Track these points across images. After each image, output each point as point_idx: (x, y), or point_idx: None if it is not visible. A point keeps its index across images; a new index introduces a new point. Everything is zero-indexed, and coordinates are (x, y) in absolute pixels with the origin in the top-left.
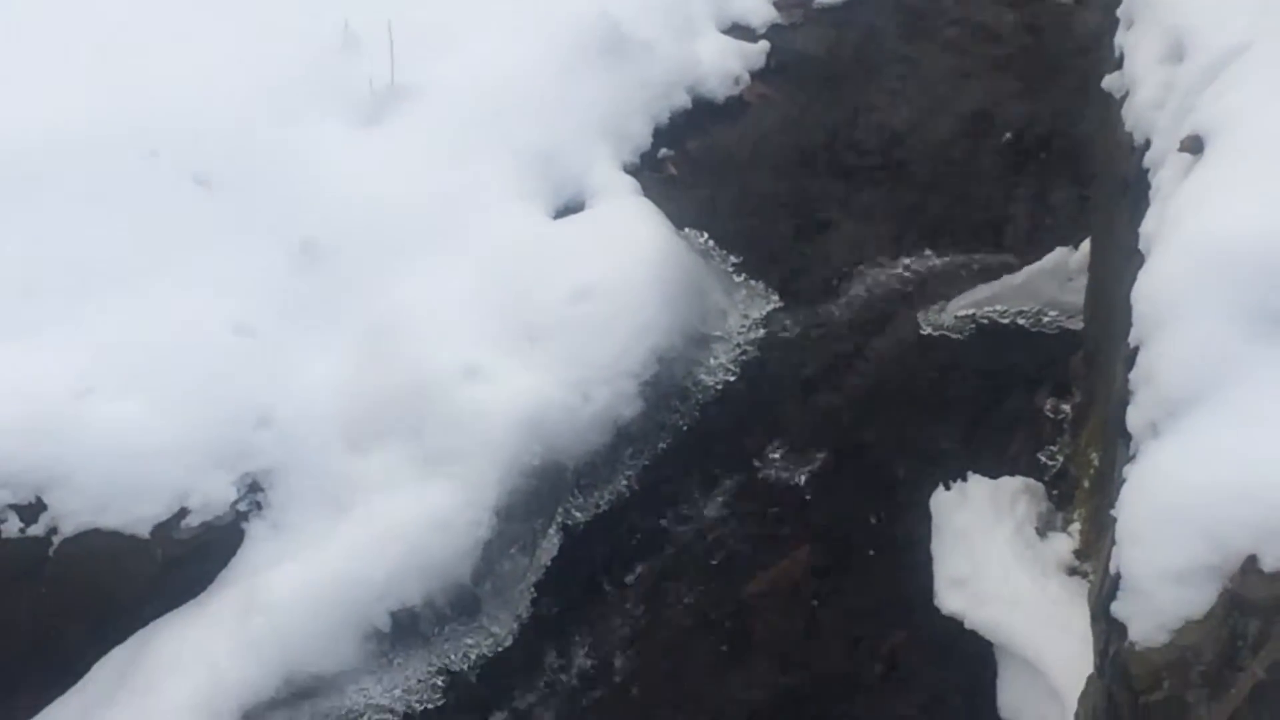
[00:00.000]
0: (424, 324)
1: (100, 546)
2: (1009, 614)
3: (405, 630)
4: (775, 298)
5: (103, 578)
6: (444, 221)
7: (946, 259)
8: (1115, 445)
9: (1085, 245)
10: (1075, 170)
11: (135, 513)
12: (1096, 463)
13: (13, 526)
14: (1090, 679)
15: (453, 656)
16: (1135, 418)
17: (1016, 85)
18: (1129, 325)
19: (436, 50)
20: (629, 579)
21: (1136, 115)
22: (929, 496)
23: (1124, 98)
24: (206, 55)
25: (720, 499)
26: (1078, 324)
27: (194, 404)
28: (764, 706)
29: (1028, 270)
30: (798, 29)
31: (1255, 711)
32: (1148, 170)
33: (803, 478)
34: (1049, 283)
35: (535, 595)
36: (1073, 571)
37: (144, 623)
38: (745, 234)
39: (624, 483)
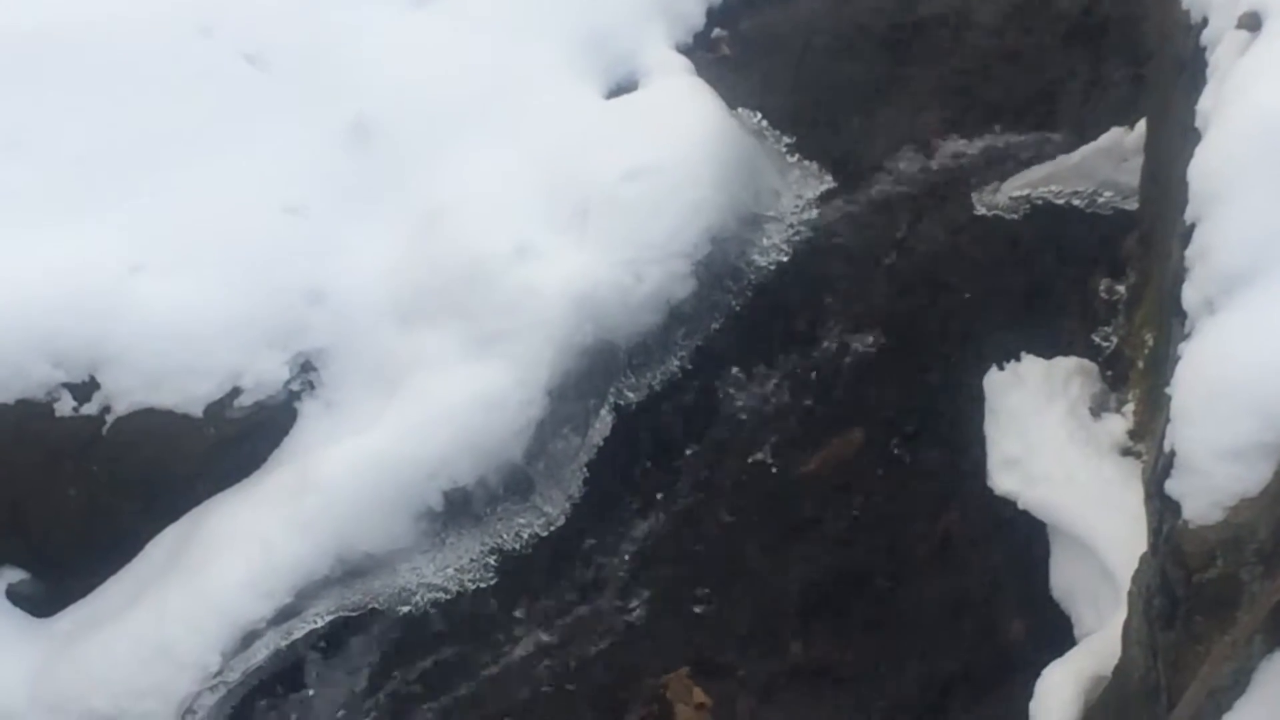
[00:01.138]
0: (476, 204)
1: (153, 425)
2: (1062, 494)
3: (457, 509)
4: (829, 178)
5: (156, 456)
6: (496, 102)
7: (1001, 139)
8: (1170, 324)
9: (1141, 125)
10: (1131, 49)
11: (188, 391)
12: (1151, 343)
13: (66, 405)
14: (1143, 558)
15: (505, 536)
16: (1191, 295)
17: None
18: (1185, 203)
19: None
20: (681, 459)
21: None
22: (982, 377)
23: None
24: None
25: (773, 379)
26: (1133, 204)
27: (246, 283)
28: (817, 586)
29: (1083, 150)
30: None
31: None
32: (1204, 48)
33: (856, 358)
34: (1104, 163)
35: (588, 475)
36: (1126, 452)
37: (197, 501)
38: (799, 114)
39: (676, 363)
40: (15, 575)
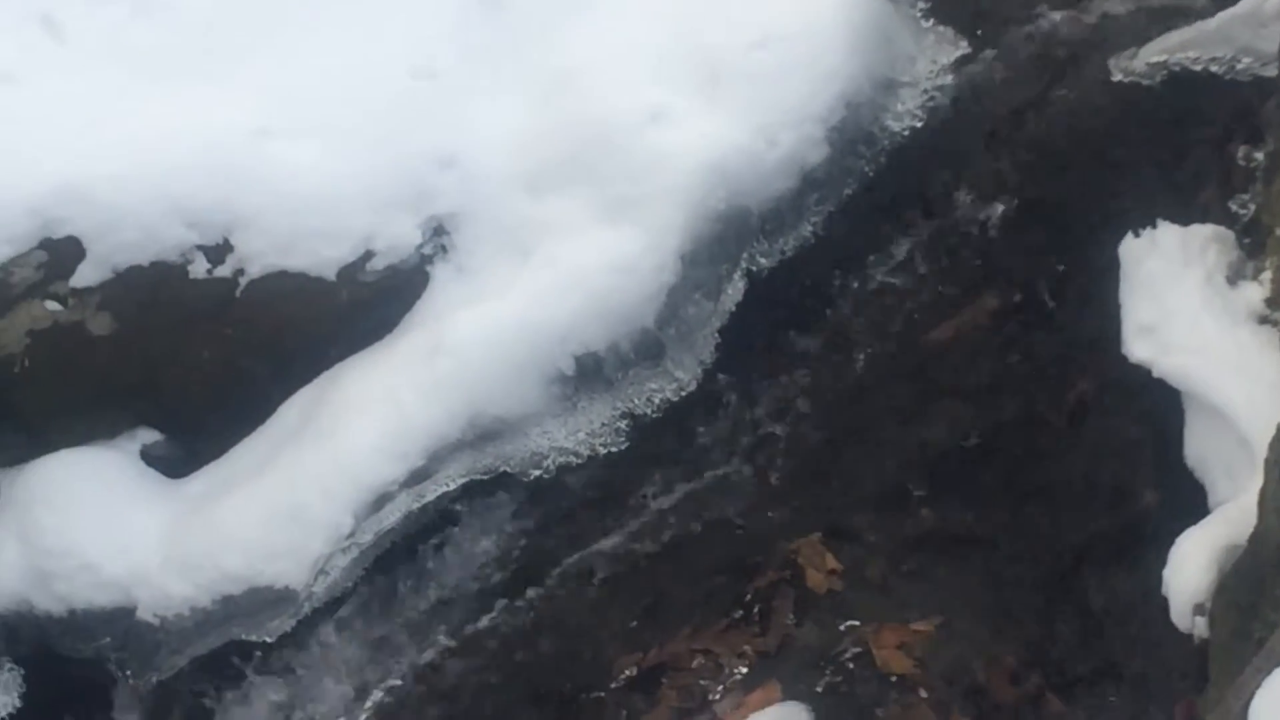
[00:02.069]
0: (607, 68)
1: (286, 288)
2: (1198, 361)
3: (589, 374)
4: (964, 43)
5: (288, 319)
6: None
7: (1139, 4)
8: None
9: None
10: None
11: (321, 254)
12: None
13: (200, 268)
14: None
15: (636, 401)
16: None
17: None
18: None
19: None
20: (813, 324)
21: None
22: (1117, 243)
23: None
24: None
25: (906, 245)
26: (1272, 70)
27: (376, 147)
28: (948, 453)
29: (1222, 16)
30: None
31: None
32: None
33: (990, 224)
34: (1244, 29)
35: (719, 340)
36: (1263, 320)
37: (329, 364)
38: None
39: (809, 229)
40: (150, 437)
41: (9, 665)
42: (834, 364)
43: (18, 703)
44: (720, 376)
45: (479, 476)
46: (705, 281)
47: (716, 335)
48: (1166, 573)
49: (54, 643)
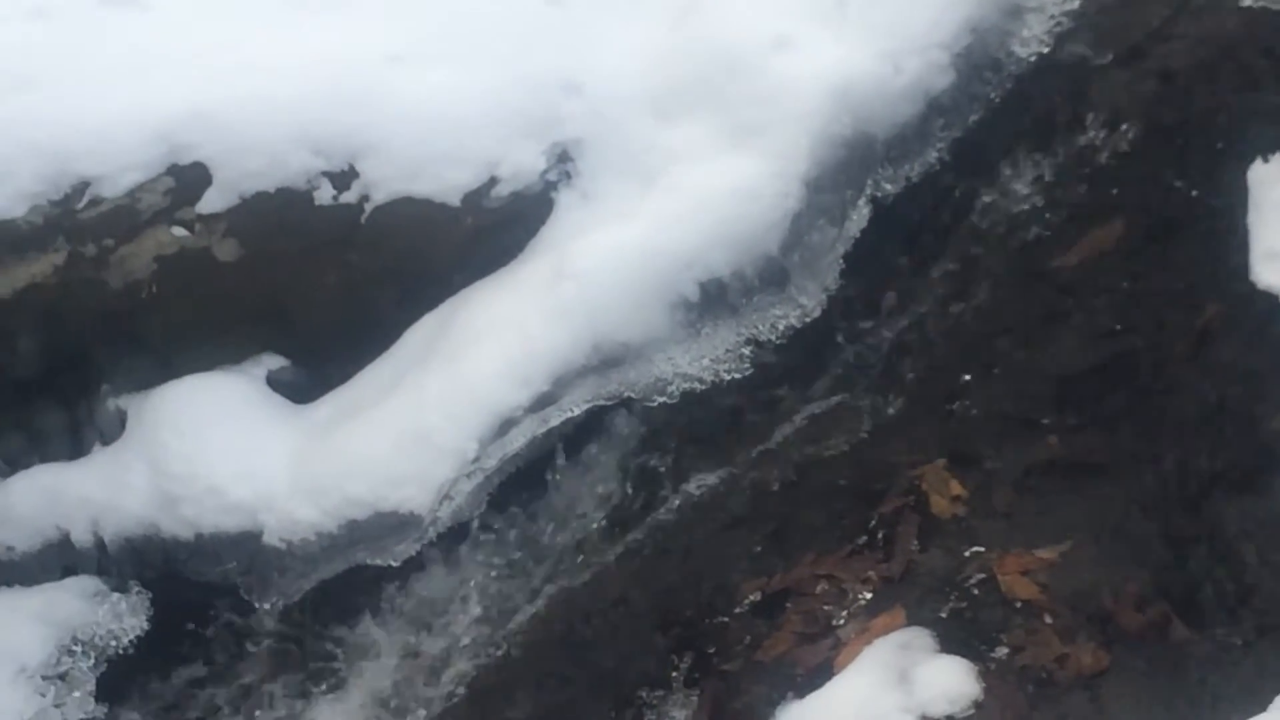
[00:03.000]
0: None
1: (411, 214)
2: None
3: (713, 300)
4: None
5: (414, 245)
6: None
7: None
8: None
9: None
10: None
11: (446, 181)
12: None
13: (326, 194)
14: None
15: (760, 327)
16: None
17: None
18: None
19: None
20: (938, 251)
21: None
22: (1245, 169)
23: None
24: None
25: (1031, 171)
26: None
27: (502, 73)
28: (1073, 379)
29: None
30: None
31: None
32: None
33: (1116, 150)
34: None
35: (844, 267)
36: None
37: (454, 290)
38: None
39: (934, 155)
40: (275, 362)
41: (137, 588)
42: (958, 290)
43: (145, 625)
44: (844, 302)
45: (603, 402)
46: (830, 207)
47: (841, 261)
48: None
49: (180, 566)
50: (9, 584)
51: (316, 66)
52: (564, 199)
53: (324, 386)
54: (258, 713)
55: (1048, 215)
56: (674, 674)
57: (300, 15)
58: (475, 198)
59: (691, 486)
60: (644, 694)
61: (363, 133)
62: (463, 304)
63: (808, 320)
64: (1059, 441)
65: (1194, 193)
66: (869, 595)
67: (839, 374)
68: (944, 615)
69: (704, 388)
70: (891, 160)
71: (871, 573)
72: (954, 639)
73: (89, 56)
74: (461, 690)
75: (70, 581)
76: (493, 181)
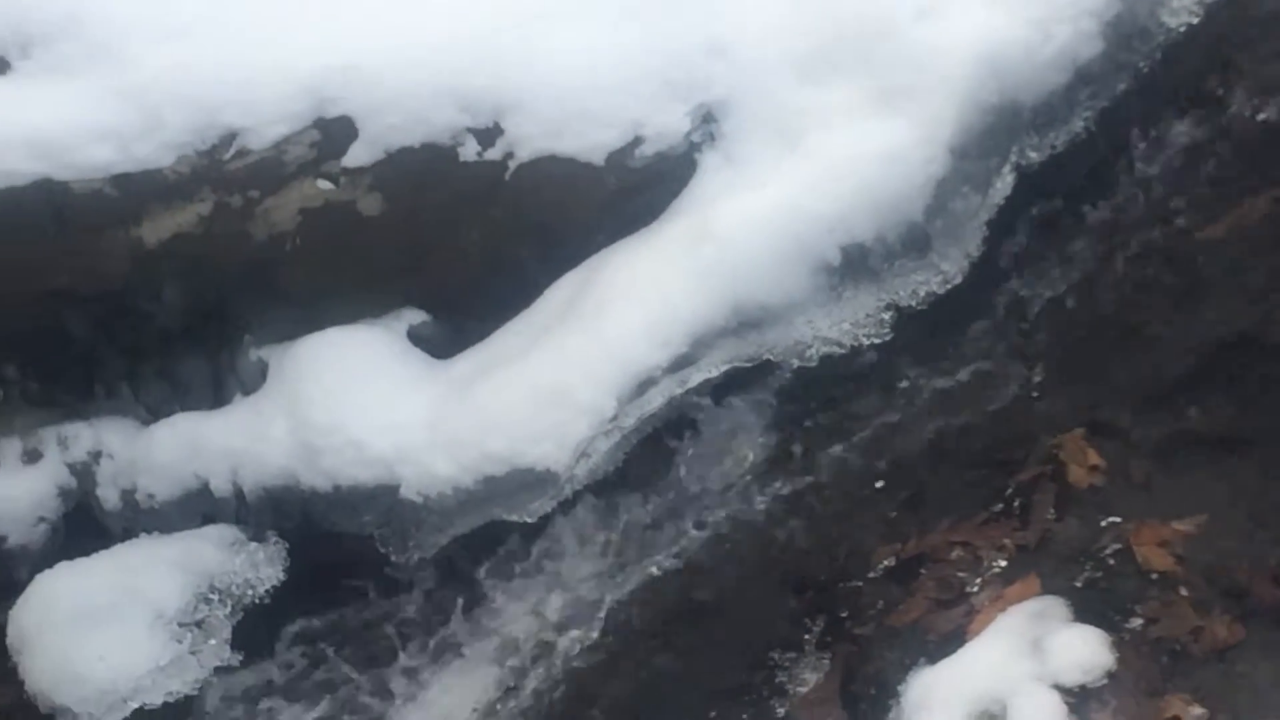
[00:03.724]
0: None
1: (555, 172)
2: None
3: (854, 265)
4: None
5: (556, 203)
6: None
7: None
8: None
9: None
10: None
11: (590, 140)
12: None
13: (470, 150)
14: None
15: (901, 292)
16: None
17: None
18: None
19: None
20: (1083, 220)
21: None
22: None
23: None
24: None
25: (1179, 142)
26: None
27: (647, 33)
28: (1217, 352)
29: None
30: None
31: None
32: None
33: (1266, 122)
34: None
35: (987, 234)
36: None
37: (595, 249)
38: None
39: (1080, 124)
40: (416, 317)
41: (274, 539)
42: (1102, 259)
43: (281, 575)
44: (986, 270)
45: (741, 364)
46: (974, 175)
47: (984, 228)
48: None
49: (318, 518)
50: (148, 531)
51: (464, 22)
52: (708, 160)
53: (464, 342)
54: (389, 664)
55: (1194, 185)
56: (806, 637)
57: None
58: (619, 157)
59: (828, 451)
60: (776, 656)
61: (508, 90)
62: (604, 263)
63: (949, 286)
64: (1199, 413)
65: None
66: (1004, 563)
67: (979, 341)
68: (1079, 585)
69: (843, 352)
70: (1037, 128)
71: (1007, 540)
72: (1088, 609)
73: (238, 8)
74: (591, 648)
75: (209, 530)
76: (637, 141)
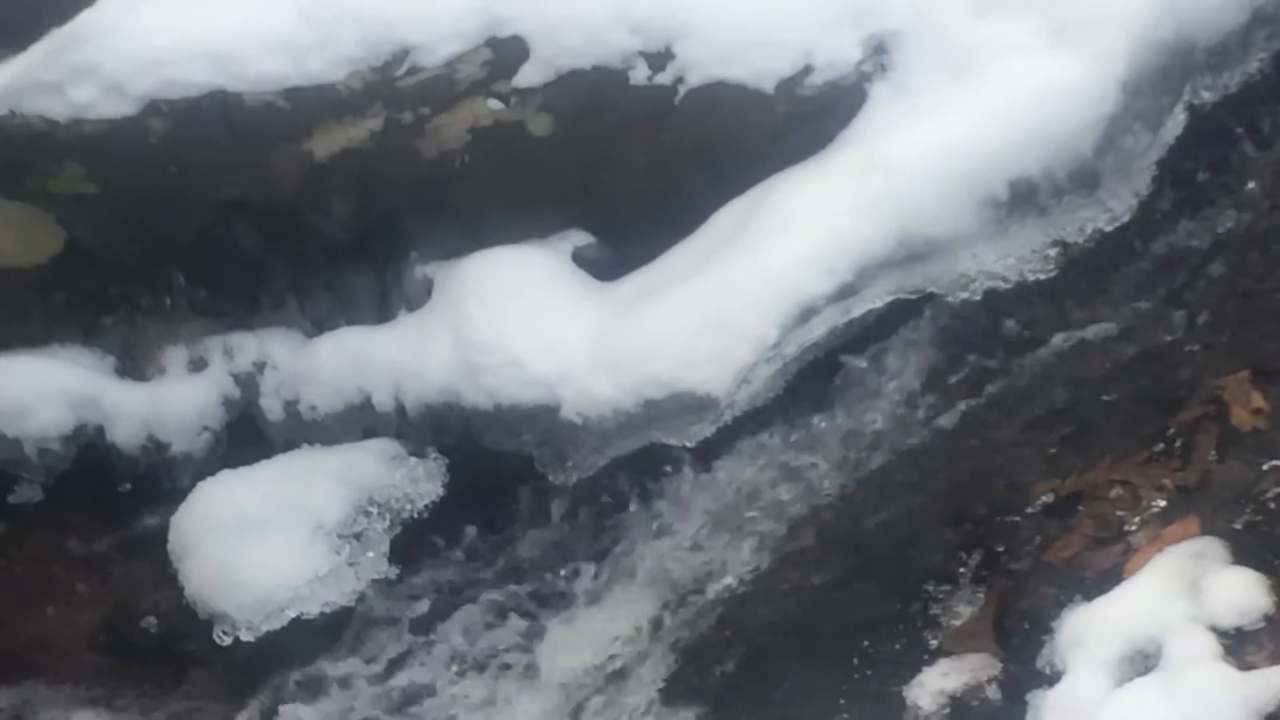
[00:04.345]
0: None
1: (724, 99)
2: None
3: (1022, 200)
4: None
5: (725, 130)
6: None
7: None
8: None
9: None
10: None
11: (760, 67)
12: None
13: (640, 74)
14: None
15: (1068, 229)
16: None
17: None
18: None
19: None
20: (1253, 162)
21: None
22: None
23: None
24: None
25: None
26: None
27: None
28: None
29: None
30: None
31: None
32: None
33: None
34: None
35: (1156, 174)
36: None
37: (762, 177)
38: None
39: (1255, 65)
40: (581, 239)
41: (434, 454)
42: (1272, 202)
43: (440, 491)
44: (1155, 209)
45: (905, 296)
46: (1146, 112)
47: (1154, 168)
48: None
49: (478, 436)
50: (310, 443)
51: None
52: (878, 91)
53: (628, 265)
54: (544, 584)
55: None
56: (961, 570)
57: None
58: (789, 85)
59: (990, 384)
60: (930, 588)
61: (681, 14)
62: (771, 190)
63: (1117, 224)
64: None
65: None
66: (1163, 503)
67: (1146, 280)
68: (1238, 527)
69: (1008, 286)
70: (1211, 68)
71: (1167, 480)
72: (1247, 551)
73: None
74: (746, 575)
75: (370, 444)
76: (807, 70)
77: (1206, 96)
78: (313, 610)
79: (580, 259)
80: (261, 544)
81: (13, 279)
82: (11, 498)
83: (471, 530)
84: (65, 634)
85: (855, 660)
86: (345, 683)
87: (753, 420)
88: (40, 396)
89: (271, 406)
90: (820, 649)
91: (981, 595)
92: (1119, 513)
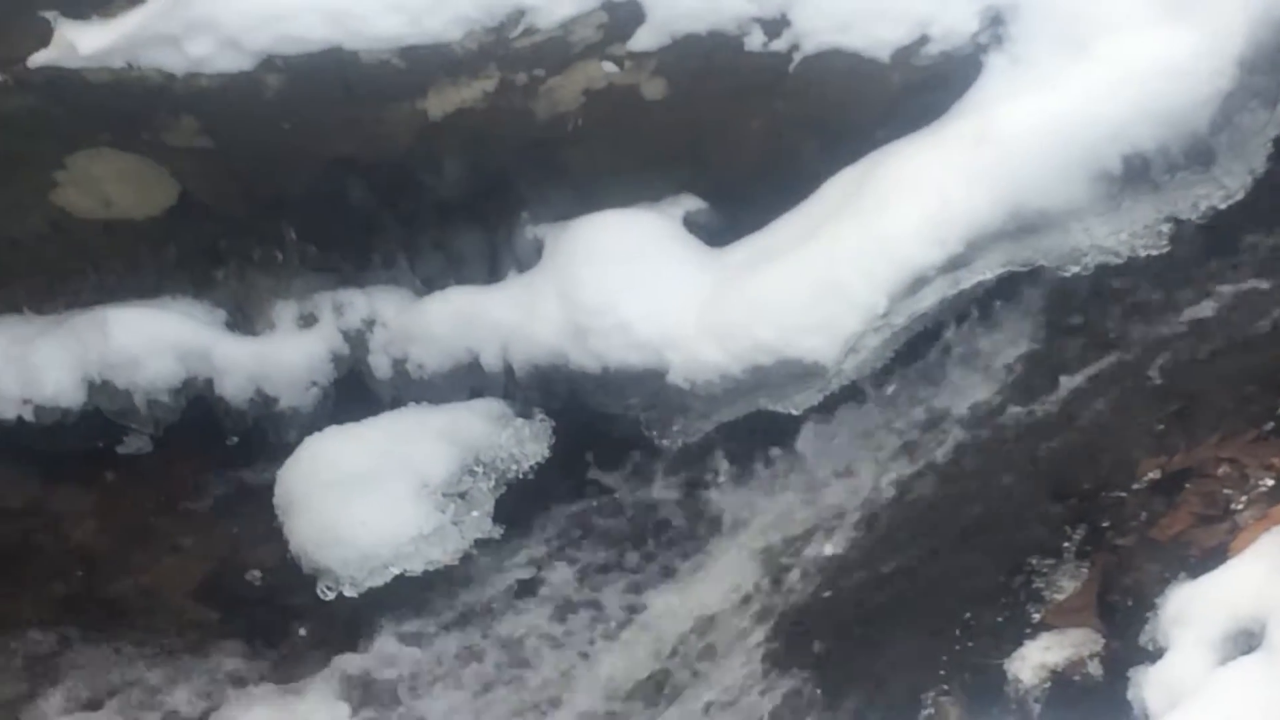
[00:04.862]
0: None
1: (839, 66)
2: None
3: (1135, 175)
4: None
5: (839, 98)
6: None
7: None
8: None
9: None
10: None
11: (876, 35)
12: None
13: (756, 40)
14: None
15: (1181, 205)
16: None
17: None
18: None
19: None
20: None
21: None
22: None
23: None
24: None
25: None
26: None
27: None
28: None
29: None
30: None
31: None
32: None
33: None
34: None
35: (1272, 151)
36: None
37: (875, 146)
38: None
39: None
40: (693, 204)
41: (540, 415)
42: None
43: (546, 453)
44: (1270, 186)
45: (1015, 268)
46: (1263, 90)
47: (1270, 145)
48: None
49: (585, 398)
50: (417, 401)
51: None
52: (993, 62)
53: (738, 231)
54: (646, 548)
55: None
56: (1065, 544)
57: None
58: (904, 55)
59: (1098, 360)
60: (1034, 561)
61: None
62: (883, 159)
63: (1231, 202)
64: None
65: None
66: (1271, 482)
67: (1258, 259)
68: None
69: (1119, 261)
70: None
71: (1276, 459)
72: None
73: None
74: (848, 544)
75: (476, 403)
76: (923, 40)
77: None
78: (416, 568)
79: (691, 224)
80: (367, 501)
81: (126, 231)
82: (120, 448)
83: (575, 492)
84: (170, 585)
85: (956, 631)
86: (445, 641)
87: (858, 389)
88: (151, 348)
89: (379, 364)
90: (921, 619)
91: (1085, 570)
92: (1226, 491)
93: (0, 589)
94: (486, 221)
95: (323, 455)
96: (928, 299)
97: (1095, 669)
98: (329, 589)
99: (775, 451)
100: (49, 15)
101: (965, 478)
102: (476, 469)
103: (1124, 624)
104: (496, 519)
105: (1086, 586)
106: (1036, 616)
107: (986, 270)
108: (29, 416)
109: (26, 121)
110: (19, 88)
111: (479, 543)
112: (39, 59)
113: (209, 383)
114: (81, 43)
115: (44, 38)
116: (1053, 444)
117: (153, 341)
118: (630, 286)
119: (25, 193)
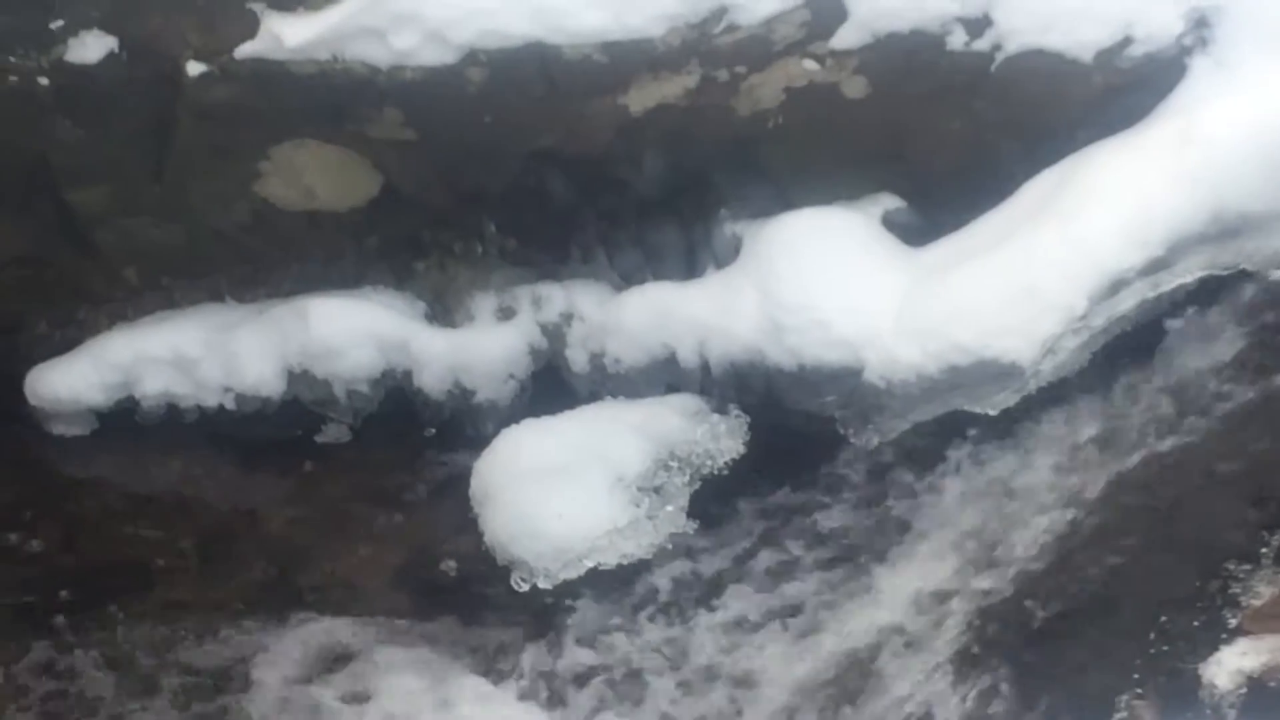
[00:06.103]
0: None
1: (1042, 67)
2: None
3: None
4: None
5: (1041, 99)
6: None
7: None
8: None
9: None
10: None
11: (1079, 36)
12: None
13: (958, 40)
14: None
15: None
16: None
17: None
18: None
19: None
20: None
21: None
22: None
23: None
24: None
25: None
26: None
27: None
28: None
29: None
30: None
31: None
32: None
33: None
34: None
35: None
36: None
37: (1076, 147)
38: None
39: None
40: (892, 203)
41: (735, 412)
42: None
43: (741, 449)
44: None
45: (1217, 272)
46: None
47: None
48: None
49: (781, 395)
50: (613, 395)
51: None
52: (1197, 64)
53: (936, 231)
54: (839, 543)
55: None
56: (1263, 550)
57: None
58: (1108, 56)
59: None
60: (1231, 566)
61: None
62: (1084, 161)
63: None
64: None
65: None
66: None
67: None
68: None
69: None
70: None
71: None
72: None
73: None
74: (1044, 547)
75: (672, 399)
76: (1127, 41)
77: None
78: (610, 561)
79: (890, 223)
80: (562, 494)
81: (329, 221)
82: (319, 437)
83: (770, 489)
84: (368, 572)
85: (1152, 635)
86: (636, 632)
87: (1057, 391)
88: (351, 339)
89: (577, 358)
90: (1117, 622)
91: None
92: None
93: (201, 573)
94: (684, 218)
95: (519, 448)
96: (1127, 301)
97: None
98: (523, 580)
99: (971, 450)
100: (256, 7)
101: (1164, 482)
102: (671, 464)
103: None
104: (690, 514)
105: None
106: (1233, 622)
107: (1187, 273)
108: (230, 404)
109: (232, 112)
110: (225, 79)
111: (673, 536)
112: (245, 50)
113: (408, 374)
114: (287, 35)
115: (250, 29)
116: (1251, 448)
117: (353, 332)
118: (829, 284)
119: (230, 183)
